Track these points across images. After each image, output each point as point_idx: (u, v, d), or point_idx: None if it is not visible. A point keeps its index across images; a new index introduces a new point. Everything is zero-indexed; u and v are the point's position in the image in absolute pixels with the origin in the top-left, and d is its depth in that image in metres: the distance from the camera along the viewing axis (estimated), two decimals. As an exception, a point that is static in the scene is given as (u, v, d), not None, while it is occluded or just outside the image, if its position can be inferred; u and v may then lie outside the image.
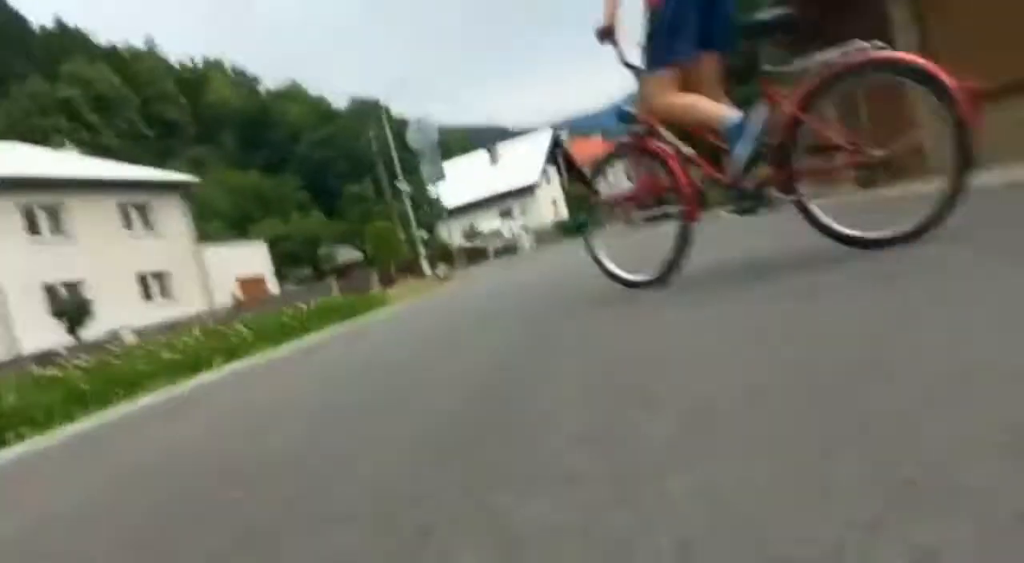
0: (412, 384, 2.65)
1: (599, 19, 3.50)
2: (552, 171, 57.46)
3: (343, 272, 48.47)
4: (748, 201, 3.16)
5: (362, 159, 62.18)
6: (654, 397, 1.46)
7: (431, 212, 44.38)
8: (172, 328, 15.26)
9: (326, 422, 2.31)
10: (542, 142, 57.55)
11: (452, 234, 30.78)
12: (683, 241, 3.44)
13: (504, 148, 59.93)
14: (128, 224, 28.61)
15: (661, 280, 3.51)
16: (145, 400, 4.90)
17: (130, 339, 18.10)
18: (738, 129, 3.02)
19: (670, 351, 1.91)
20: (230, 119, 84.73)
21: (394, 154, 36.80)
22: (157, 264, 28.76)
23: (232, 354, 6.84)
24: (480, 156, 60.92)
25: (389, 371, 3.23)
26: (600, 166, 3.96)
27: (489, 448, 1.43)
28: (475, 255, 36.20)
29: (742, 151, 3.03)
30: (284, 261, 48.89)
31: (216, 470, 1.98)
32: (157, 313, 25.62)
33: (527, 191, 53.87)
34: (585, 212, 4.19)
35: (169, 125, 79.06)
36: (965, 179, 2.50)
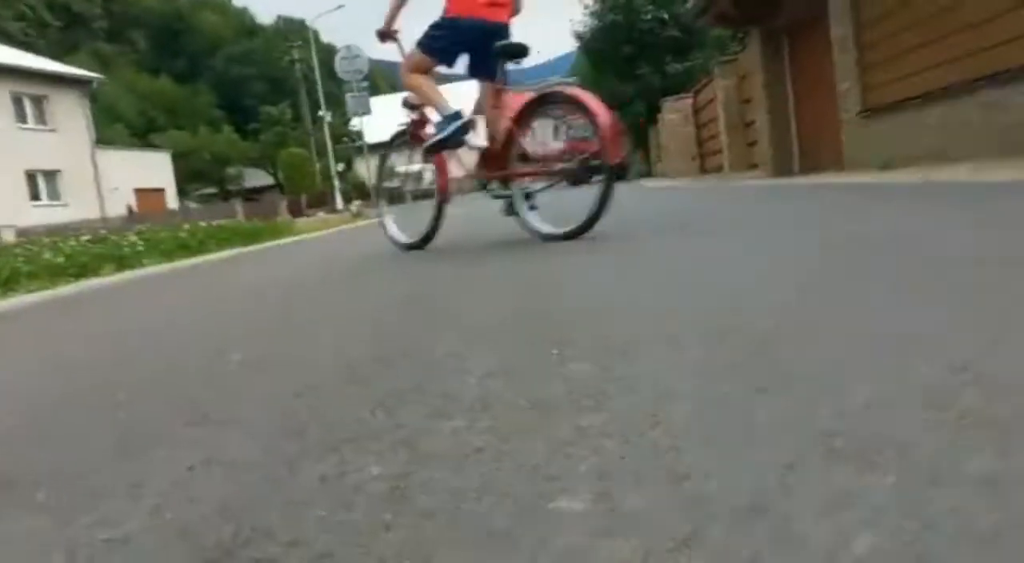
0: (313, 312, 2.58)
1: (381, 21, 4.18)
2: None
3: (251, 196, 46.61)
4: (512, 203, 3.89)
5: (282, 81, 59.44)
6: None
7: (351, 145, 43.12)
8: (60, 231, 14.30)
9: (219, 341, 2.22)
10: (474, 89, 56.49)
11: (371, 171, 29.96)
12: (439, 215, 4.23)
13: (434, 91, 58.35)
14: (21, 116, 26.45)
15: (422, 244, 4.28)
16: (19, 300, 4.58)
17: (9, 237, 16.92)
18: (445, 120, 3.81)
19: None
20: (144, 20, 78.91)
21: (318, 81, 35.34)
22: (49, 162, 26.78)
23: (121, 264, 6.47)
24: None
25: (290, 297, 3.14)
26: (387, 148, 4.74)
27: (401, 375, 1.39)
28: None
29: (436, 133, 3.87)
30: (188, 177, 46.47)
31: (103, 378, 1.88)
32: (44, 214, 24.04)
33: (453, 137, 52.78)
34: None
35: (76, 17, 72.85)
36: (610, 189, 3.32)
